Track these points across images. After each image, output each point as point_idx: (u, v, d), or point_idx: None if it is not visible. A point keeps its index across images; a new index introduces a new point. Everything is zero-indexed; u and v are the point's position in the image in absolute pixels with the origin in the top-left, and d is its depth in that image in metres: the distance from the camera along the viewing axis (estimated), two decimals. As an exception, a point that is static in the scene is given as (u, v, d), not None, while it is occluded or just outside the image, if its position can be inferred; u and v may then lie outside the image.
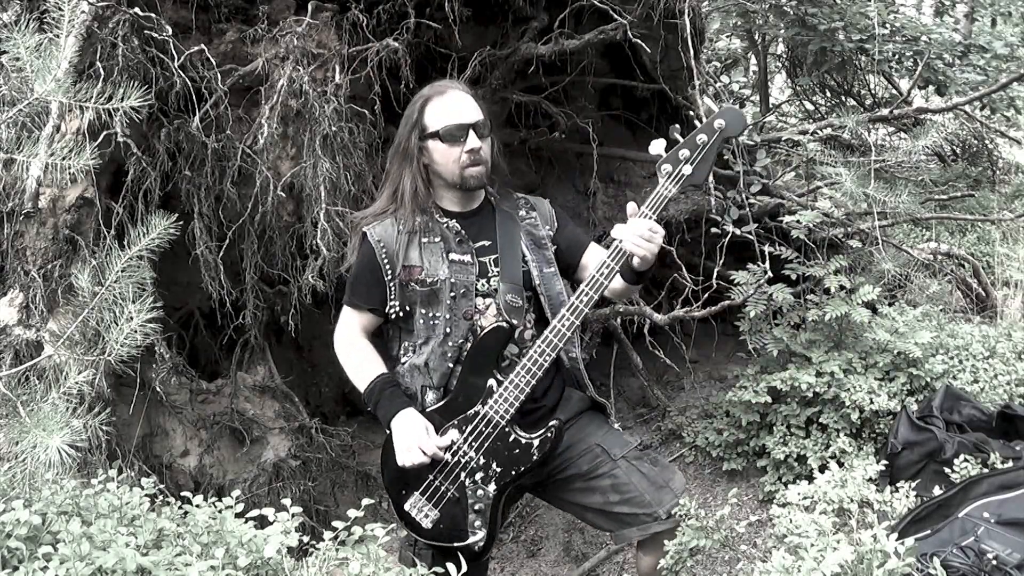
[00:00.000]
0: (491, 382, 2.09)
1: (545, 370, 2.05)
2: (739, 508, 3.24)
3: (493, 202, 2.25)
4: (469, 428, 2.09)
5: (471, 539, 2.11)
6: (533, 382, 2.05)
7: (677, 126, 2.08)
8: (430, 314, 2.13)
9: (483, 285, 2.14)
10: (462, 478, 2.09)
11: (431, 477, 2.10)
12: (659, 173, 2.02)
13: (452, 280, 2.11)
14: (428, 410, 2.13)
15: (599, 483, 2.17)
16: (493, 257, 2.17)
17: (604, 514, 2.19)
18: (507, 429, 2.08)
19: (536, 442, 2.09)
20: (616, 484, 2.15)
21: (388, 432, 2.15)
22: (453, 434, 2.09)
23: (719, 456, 3.50)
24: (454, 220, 2.17)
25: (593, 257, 2.27)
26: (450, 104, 2.12)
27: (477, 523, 2.10)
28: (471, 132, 2.09)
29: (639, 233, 1.96)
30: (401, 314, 2.14)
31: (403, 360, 2.19)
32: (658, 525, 2.13)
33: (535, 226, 2.25)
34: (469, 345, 2.13)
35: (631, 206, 2.02)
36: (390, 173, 2.22)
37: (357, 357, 2.22)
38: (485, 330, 2.12)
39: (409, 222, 2.14)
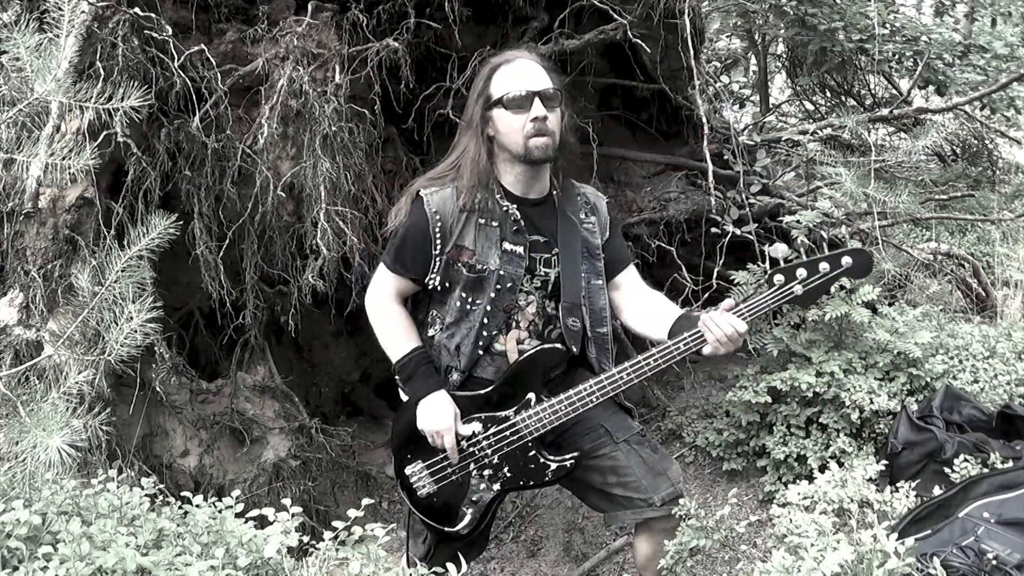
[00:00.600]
0: (531, 395, 2.09)
1: (588, 409, 2.06)
2: (739, 508, 3.23)
3: (556, 197, 2.17)
4: (494, 429, 2.10)
5: (457, 526, 2.14)
6: (572, 416, 2.06)
7: (798, 252, 2.03)
8: (470, 298, 2.08)
9: (527, 282, 2.11)
10: (471, 468, 2.11)
11: (441, 456, 2.12)
12: (768, 280, 2.00)
13: (501, 272, 2.06)
14: (457, 394, 2.12)
15: (599, 463, 2.17)
16: (545, 256, 2.11)
17: (600, 494, 2.20)
18: (530, 445, 2.10)
19: (554, 466, 2.11)
20: (615, 466, 2.15)
21: (409, 400, 2.14)
22: (476, 426, 2.09)
23: (719, 456, 3.50)
24: (515, 206, 2.09)
25: (629, 281, 2.24)
26: (517, 71, 2.03)
27: (469, 511, 2.13)
28: (536, 99, 2.00)
29: (727, 333, 1.95)
30: (439, 288, 2.09)
31: (431, 332, 2.15)
32: (651, 511, 2.13)
33: (592, 233, 2.19)
34: (501, 336, 2.10)
35: (728, 302, 2.02)
36: (456, 144, 2.13)
37: (392, 324, 2.14)
38: (543, 348, 2.10)
39: (470, 197, 2.05)
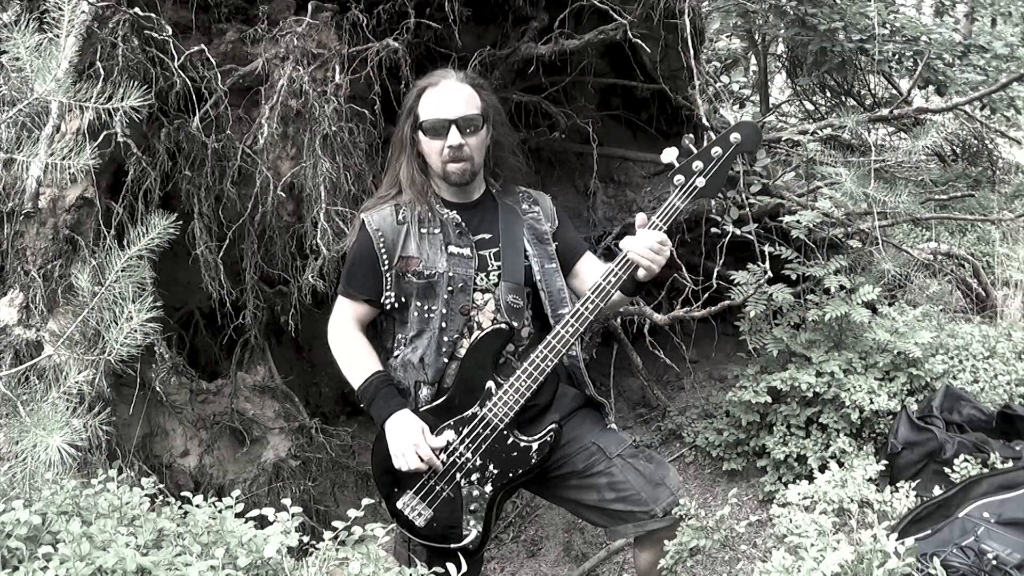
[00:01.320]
0: (489, 384, 2.07)
1: (546, 375, 2.04)
2: (739, 508, 3.24)
3: (494, 194, 2.22)
4: (466, 430, 2.07)
5: (465, 539, 2.10)
6: (534, 387, 2.04)
7: (691, 136, 2.08)
8: (425, 307, 2.10)
9: (482, 280, 2.12)
10: (457, 478, 2.08)
11: (425, 477, 2.09)
12: (671, 184, 2.01)
13: (450, 273, 2.08)
14: (422, 409, 2.12)
15: (595, 481, 2.16)
16: (494, 251, 2.14)
17: (600, 511, 2.19)
18: (505, 432, 2.07)
19: (535, 445, 2.08)
20: (612, 482, 2.14)
21: (380, 430, 2.13)
22: (449, 435, 2.08)
23: (719, 456, 3.50)
24: (454, 211, 2.14)
25: (587, 266, 2.26)
26: (439, 96, 2.09)
27: (471, 523, 2.10)
28: (453, 127, 2.06)
29: (648, 246, 1.96)
30: (396, 305, 2.12)
31: (396, 353, 2.16)
32: (654, 523, 2.12)
33: (537, 220, 2.22)
34: (465, 341, 2.11)
35: (640, 217, 2.02)
36: (390, 161, 2.22)
37: (351, 351, 2.18)
38: (484, 331, 2.09)
39: (408, 210, 2.12)
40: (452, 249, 2.11)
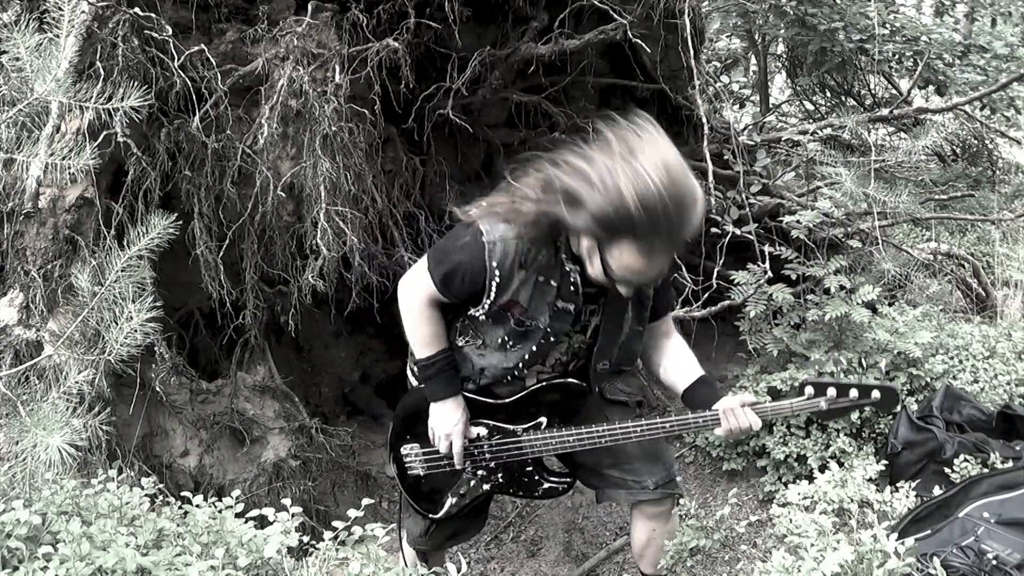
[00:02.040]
0: (542, 419, 2.11)
1: (592, 446, 2.07)
2: (739, 508, 3.23)
3: None
4: (498, 438, 2.12)
5: (437, 512, 2.20)
6: (577, 448, 2.08)
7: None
8: (511, 343, 2.02)
9: (570, 332, 2.06)
10: (466, 465, 2.15)
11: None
12: (800, 388, 2.03)
13: (548, 328, 1.99)
14: (470, 396, 2.12)
15: (596, 447, 2.17)
16: (592, 307, 2.03)
17: (595, 473, 2.22)
18: (530, 462, 2.15)
19: (546, 485, 2.17)
20: (611, 448, 2.15)
21: (417, 390, 2.15)
22: (481, 431, 2.12)
23: (719, 456, 3.50)
24: (578, 268, 1.93)
25: (661, 334, 2.19)
26: (640, 262, 1.76)
27: (451, 500, 2.18)
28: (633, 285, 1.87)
29: (743, 428, 1.96)
30: (482, 320, 2.01)
31: (460, 341, 2.10)
32: (645, 494, 2.16)
33: (646, 283, 2.07)
34: (528, 371, 2.08)
35: (750, 397, 2.02)
36: (536, 190, 1.84)
37: (423, 326, 2.06)
38: (568, 383, 2.09)
39: (533, 253, 1.90)
40: (560, 304, 1.97)
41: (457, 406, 2.09)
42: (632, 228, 1.69)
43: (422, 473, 2.18)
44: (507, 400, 2.11)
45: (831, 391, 2.00)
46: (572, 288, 1.96)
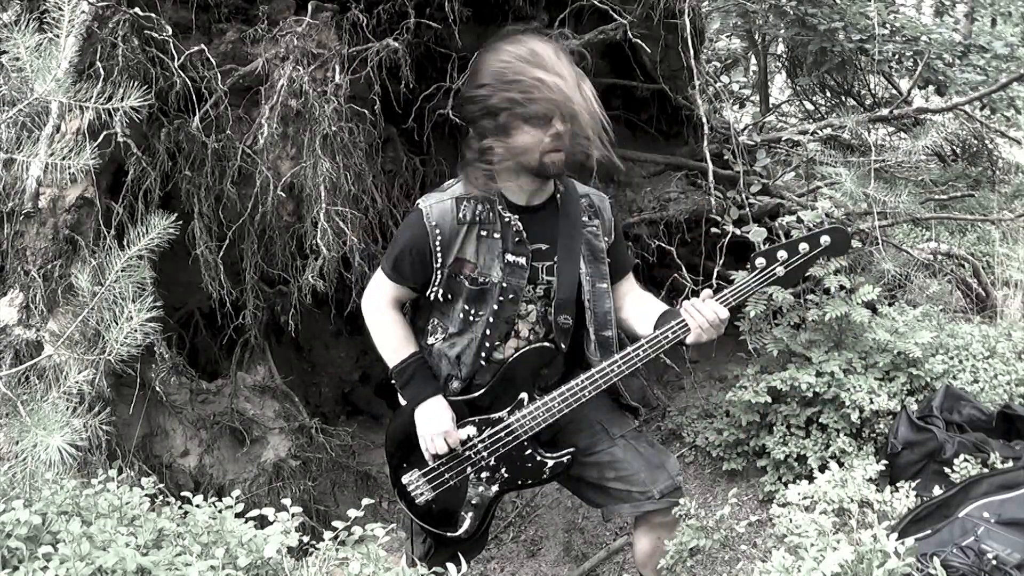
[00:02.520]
0: (523, 395, 2.10)
1: (581, 403, 2.06)
2: (739, 508, 3.23)
3: (559, 199, 2.11)
4: (489, 431, 2.11)
5: (458, 531, 2.15)
6: (567, 411, 2.06)
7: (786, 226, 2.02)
8: (472, 310, 2.05)
9: (530, 291, 2.08)
10: (468, 472, 2.13)
11: (437, 463, 2.13)
12: (751, 264, 2.02)
13: (503, 284, 2.03)
14: (451, 399, 2.13)
15: (596, 459, 2.17)
16: (547, 264, 2.08)
17: (598, 488, 2.20)
18: (526, 444, 2.11)
19: (550, 463, 2.13)
20: (613, 462, 2.16)
21: (403, 407, 2.14)
22: (470, 430, 2.11)
23: (719, 456, 3.50)
24: (517, 216, 2.04)
25: (628, 289, 2.23)
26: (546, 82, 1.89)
27: (469, 515, 2.14)
28: (557, 116, 1.92)
29: (709, 319, 1.96)
30: (441, 299, 2.06)
31: (431, 340, 2.13)
32: (651, 504, 2.13)
33: (596, 236, 2.15)
34: (501, 346, 2.10)
35: (707, 291, 2.02)
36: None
37: (389, 330, 2.12)
38: (533, 346, 2.10)
39: (469, 209, 2.00)
40: (509, 257, 2.03)
41: (440, 404, 2.09)
42: (510, 104, 1.87)
43: (430, 496, 2.15)
44: (484, 388, 2.11)
45: (782, 253, 2.00)
46: (517, 238, 2.03)
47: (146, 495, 1.79)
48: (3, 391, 1.78)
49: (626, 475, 2.15)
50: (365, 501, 1.74)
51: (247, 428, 3.13)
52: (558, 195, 2.13)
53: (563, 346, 2.13)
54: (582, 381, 2.04)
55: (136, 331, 1.76)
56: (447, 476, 2.13)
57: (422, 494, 2.15)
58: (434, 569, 1.71)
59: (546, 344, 2.11)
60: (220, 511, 1.71)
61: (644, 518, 2.19)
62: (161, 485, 2.08)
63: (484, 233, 2.02)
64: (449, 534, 2.16)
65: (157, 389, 2.89)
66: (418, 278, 2.06)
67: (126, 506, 1.72)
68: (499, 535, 3.47)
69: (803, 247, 2.00)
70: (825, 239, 1.99)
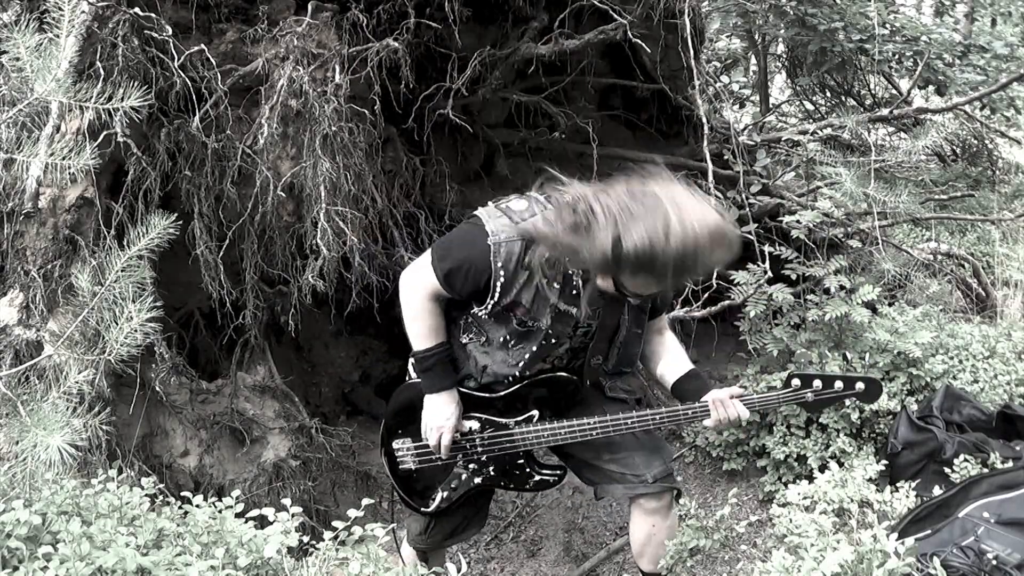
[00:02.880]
0: (534, 412, 2.13)
1: (585, 439, 2.09)
2: (739, 508, 3.23)
3: None
4: (491, 432, 2.13)
5: (428, 507, 2.22)
6: (570, 441, 2.10)
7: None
8: (513, 342, 2.05)
9: (572, 334, 2.08)
10: (457, 459, 2.16)
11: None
12: (786, 381, 2.08)
13: (549, 330, 2.02)
14: (464, 390, 2.14)
15: (593, 441, 2.17)
16: (594, 308, 2.02)
17: (593, 467, 2.23)
18: (521, 455, 2.17)
19: (537, 478, 2.21)
20: (609, 443, 2.18)
21: (411, 384, 2.17)
22: (473, 424, 2.13)
23: (719, 456, 3.50)
24: (580, 271, 1.96)
25: (657, 333, 2.23)
26: (658, 285, 1.85)
27: (441, 495, 2.20)
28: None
29: (732, 419, 2.02)
30: (484, 318, 2.03)
31: (464, 339, 2.11)
32: (643, 488, 2.15)
33: None
34: (529, 370, 2.10)
35: (739, 389, 2.07)
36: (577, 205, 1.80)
37: (423, 318, 2.06)
38: (558, 375, 2.12)
39: (536, 256, 1.90)
40: (561, 306, 1.99)
41: (451, 399, 2.10)
42: (652, 268, 1.71)
43: (413, 467, 2.20)
44: (501, 394, 2.13)
45: (817, 383, 2.06)
46: (574, 292, 1.97)
47: (146, 495, 1.79)
48: (3, 391, 1.78)
49: (621, 457, 2.18)
50: (365, 501, 1.74)
51: (247, 428, 3.13)
52: None
53: (588, 383, 2.16)
54: (593, 423, 2.07)
55: (136, 331, 1.76)
56: (436, 457, 2.16)
57: (406, 463, 2.20)
58: (434, 569, 1.71)
59: (572, 378, 2.13)
60: (220, 511, 1.71)
61: (637, 503, 2.21)
62: (161, 485, 2.08)
63: (544, 281, 1.96)
64: (415, 505, 2.23)
65: (157, 389, 2.89)
66: (467, 295, 2.01)
67: (126, 506, 1.72)
68: (499, 535, 3.47)
69: (838, 385, 2.07)
70: (860, 385, 2.07)
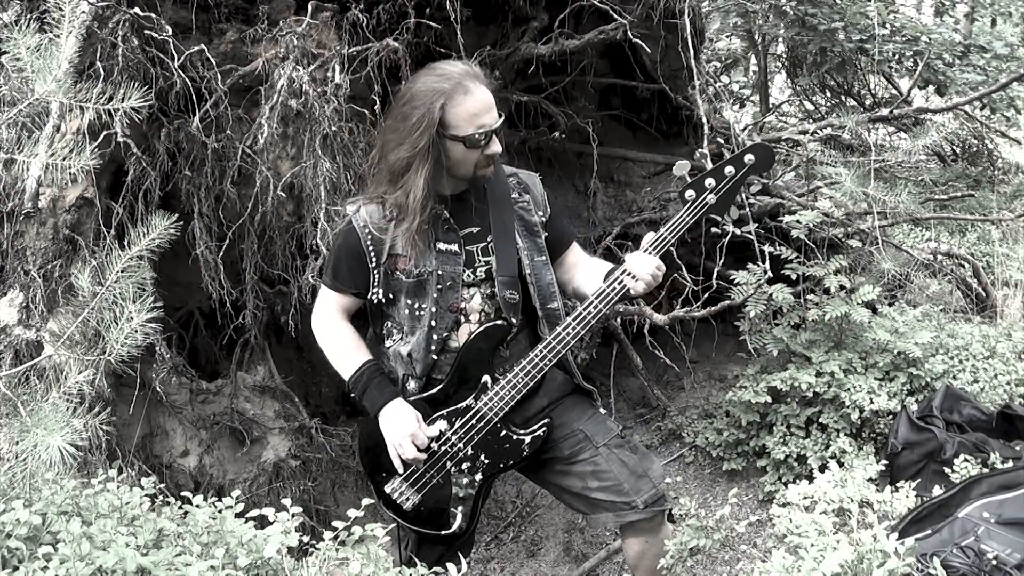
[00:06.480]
0: (485, 378, 2.09)
1: (544, 374, 2.06)
2: (739, 508, 3.24)
3: (485, 182, 2.13)
4: (459, 421, 2.09)
5: (452, 526, 2.14)
6: (531, 384, 2.06)
7: (705, 151, 2.08)
8: (415, 304, 2.08)
9: (469, 276, 2.09)
10: (448, 467, 2.11)
11: (414, 464, 2.11)
12: (680, 198, 2.02)
13: (439, 272, 2.06)
14: (412, 399, 2.12)
15: (579, 468, 2.17)
16: (481, 245, 2.10)
17: (582, 498, 2.20)
18: (499, 425, 2.10)
19: (527, 439, 2.12)
20: (596, 471, 2.15)
21: (367, 417, 2.14)
22: (441, 424, 2.10)
23: (719, 456, 3.50)
24: (443, 205, 2.07)
25: (575, 258, 2.25)
26: (477, 107, 1.96)
27: (459, 509, 2.13)
28: (494, 137, 1.99)
29: (650, 272, 1.99)
30: (384, 300, 2.10)
31: (387, 344, 2.15)
32: (634, 514, 2.13)
33: (528, 211, 2.17)
34: (454, 335, 2.10)
35: (649, 236, 2.04)
36: (392, 163, 2.00)
37: (340, 342, 2.16)
38: (483, 326, 2.10)
39: (395, 206, 2.02)
40: (440, 246, 2.06)
41: (401, 406, 2.09)
42: (445, 92, 1.94)
43: (417, 499, 2.13)
44: (444, 381, 2.11)
45: (710, 181, 2.02)
46: (446, 226, 2.07)
47: (146, 495, 1.79)
48: (3, 391, 1.78)
49: (609, 485, 2.14)
50: (365, 501, 1.74)
51: (247, 428, 3.13)
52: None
53: (514, 321, 2.12)
54: (541, 350, 2.05)
55: (136, 331, 1.75)
56: (429, 475, 2.11)
57: (408, 499, 2.13)
58: (434, 569, 1.71)
59: (497, 323, 2.10)
60: (220, 511, 1.71)
61: (630, 526, 2.18)
62: (161, 485, 2.08)
63: (412, 221, 2.01)
64: (444, 532, 2.15)
65: (157, 389, 2.89)
66: (358, 282, 2.10)
67: (126, 506, 1.71)
68: (499, 535, 3.47)
69: (729, 170, 2.01)
70: (749, 157, 2.00)
